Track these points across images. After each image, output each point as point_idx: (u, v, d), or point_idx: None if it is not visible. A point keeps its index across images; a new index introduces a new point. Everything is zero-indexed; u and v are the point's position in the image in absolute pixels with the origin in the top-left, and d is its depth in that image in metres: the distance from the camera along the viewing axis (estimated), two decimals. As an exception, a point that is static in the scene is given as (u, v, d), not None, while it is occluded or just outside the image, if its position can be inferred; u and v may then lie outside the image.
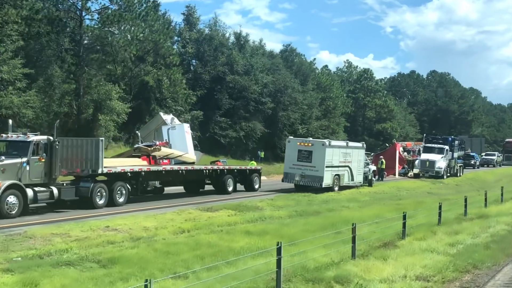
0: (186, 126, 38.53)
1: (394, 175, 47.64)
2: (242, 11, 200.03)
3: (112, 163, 25.15)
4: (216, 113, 60.59)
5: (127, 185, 23.39)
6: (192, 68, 60.50)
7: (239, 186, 31.81)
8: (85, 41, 49.30)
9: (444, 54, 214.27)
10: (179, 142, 37.24)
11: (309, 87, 72.38)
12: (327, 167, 32.01)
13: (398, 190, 37.80)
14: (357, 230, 15.58)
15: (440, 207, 20.77)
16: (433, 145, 49.02)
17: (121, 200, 23.02)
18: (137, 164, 25.61)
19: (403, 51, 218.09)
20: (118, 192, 22.94)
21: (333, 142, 34.29)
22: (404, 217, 18.00)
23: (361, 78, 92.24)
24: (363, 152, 36.43)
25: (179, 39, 61.63)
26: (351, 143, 36.36)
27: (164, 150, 28.50)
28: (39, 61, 46.84)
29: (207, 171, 27.95)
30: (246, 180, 31.33)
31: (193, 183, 29.47)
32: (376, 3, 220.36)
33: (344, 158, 33.88)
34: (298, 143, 32.61)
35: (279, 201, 27.73)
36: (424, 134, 52.32)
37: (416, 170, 47.63)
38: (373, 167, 38.71)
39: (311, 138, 36.33)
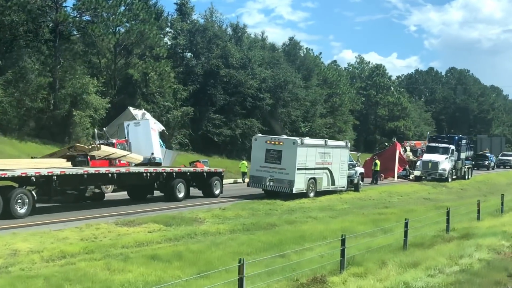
0: (152, 122, 33.92)
1: (393, 177, 42.36)
2: (264, 10, 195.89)
3: (28, 165, 20.63)
4: (209, 110, 55.87)
5: (32, 192, 18.72)
6: (183, 61, 55.73)
7: (197, 192, 27.08)
8: (62, 31, 44.91)
9: (469, 53, 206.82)
10: (143, 140, 32.75)
11: (313, 83, 67.20)
12: (299, 169, 27.06)
13: (389, 196, 32.65)
14: (303, 253, 12.86)
15: (406, 225, 15.69)
16: (437, 144, 43.59)
17: (22, 211, 18.39)
18: (57, 166, 21.00)
19: (427, 50, 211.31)
20: (19, 201, 18.28)
21: (307, 140, 29.23)
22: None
23: (373, 74, 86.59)
24: (347, 152, 31.36)
25: (170, 30, 56.99)
26: (331, 142, 31.28)
27: (105, 149, 23.88)
28: (9, 51, 42.81)
29: (148, 174, 23.15)
30: (204, 184, 26.55)
31: (139, 188, 24.75)
32: (399, 1, 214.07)
33: (322, 159, 28.87)
34: (266, 142, 27.70)
35: (232, 210, 22.90)
36: (428, 133, 46.78)
37: (417, 172, 42.32)
38: (360, 169, 33.55)
39: (284, 136, 31.25)
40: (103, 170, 21.42)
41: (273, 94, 60.87)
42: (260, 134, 29.37)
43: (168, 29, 57.59)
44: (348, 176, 31.68)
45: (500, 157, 70.46)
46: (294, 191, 26.91)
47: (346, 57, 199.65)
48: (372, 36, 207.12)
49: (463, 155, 44.83)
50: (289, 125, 62.70)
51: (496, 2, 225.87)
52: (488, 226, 19.62)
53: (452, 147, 43.01)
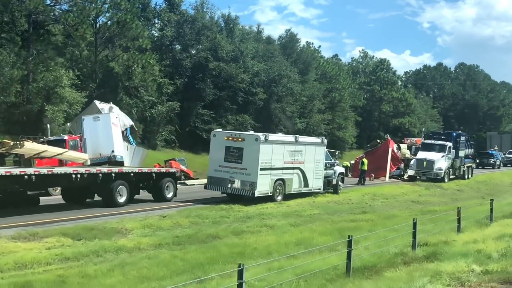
0: (114, 117, 30.40)
1: (385, 177, 38.57)
2: (277, 7, 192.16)
3: None
4: (198, 105, 52.33)
5: None
6: (170, 54, 52.25)
7: (147, 195, 23.60)
8: (36, 20, 41.66)
9: (482, 50, 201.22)
10: (103, 136, 29.33)
11: (311, 77, 63.35)
12: (263, 169, 23.45)
13: (372, 199, 28.93)
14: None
15: (350, 243, 12.07)
16: (433, 141, 39.69)
17: None
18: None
19: (440, 47, 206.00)
20: None
21: (273, 137, 25.52)
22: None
23: (377, 69, 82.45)
24: (323, 149, 27.64)
25: (157, 21, 53.53)
26: (303, 138, 27.51)
27: (30, 147, 20.42)
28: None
29: (79, 176, 19.65)
30: (154, 187, 23.04)
31: (74, 192, 21.31)
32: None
33: (292, 157, 25.22)
34: (226, 138, 24.09)
35: (172, 218, 19.39)
36: (423, 129, 42.83)
37: (411, 172, 38.49)
38: (340, 169, 29.80)
39: (250, 131, 27.61)
40: (16, 171, 17.94)
41: (266, 89, 57.30)
42: (219, 130, 25.72)
43: (156, 20, 54.10)
44: (326, 177, 27.99)
45: (507, 155, 66.20)
46: (256, 194, 23.30)
47: (359, 55, 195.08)
48: (385, 33, 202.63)
49: (462, 153, 40.90)
50: (283, 121, 58.96)
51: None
52: (466, 240, 15.92)
53: (450, 144, 39.13)
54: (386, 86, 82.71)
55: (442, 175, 37.75)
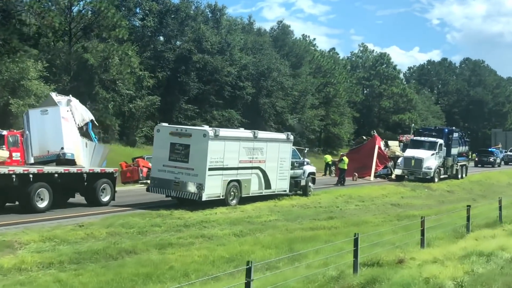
0: (65, 111, 27.28)
1: (370, 177, 35.37)
2: (285, 3, 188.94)
3: None
4: (181, 99, 49.30)
5: None
6: (152, 45, 49.25)
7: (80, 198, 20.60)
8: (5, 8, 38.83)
9: (491, 47, 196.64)
10: (51, 131, 26.22)
11: (304, 71, 60.10)
12: (212, 169, 20.35)
13: (346, 202, 25.75)
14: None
15: (248, 272, 8.99)
16: (422, 138, 36.42)
17: None
18: None
19: (450, 44, 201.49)
20: None
21: (225, 132, 22.35)
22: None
23: (377, 63, 79.02)
24: (289, 147, 24.45)
25: (139, 11, 50.53)
26: (263, 134, 24.31)
27: None
28: None
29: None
30: (87, 189, 20.01)
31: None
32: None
33: (251, 155, 22.10)
34: (170, 133, 20.97)
35: (90, 228, 16.42)
36: (412, 125, 39.49)
37: (398, 171, 35.25)
38: (310, 168, 26.59)
39: (191, 127, 24.46)
40: None
41: (255, 83, 54.18)
42: (165, 124, 22.52)
43: (138, 10, 51.10)
44: (293, 177, 24.84)
45: (508, 153, 62.54)
46: (204, 198, 20.21)
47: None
48: (393, 30, 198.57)
49: (455, 151, 37.55)
50: (274, 116, 55.85)
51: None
52: (425, 259, 12.83)
53: (441, 141, 35.83)
54: (386, 81, 79.33)
55: (432, 175, 34.48)
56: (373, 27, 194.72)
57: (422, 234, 14.72)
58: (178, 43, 50.67)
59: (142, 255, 14.46)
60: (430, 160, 34.65)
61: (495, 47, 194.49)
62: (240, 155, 21.56)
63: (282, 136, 24.65)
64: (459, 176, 38.20)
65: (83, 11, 43.28)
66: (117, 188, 24.88)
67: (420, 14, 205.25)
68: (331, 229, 19.80)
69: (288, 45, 59.65)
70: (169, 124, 23.01)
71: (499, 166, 56.19)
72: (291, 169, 24.54)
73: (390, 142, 41.08)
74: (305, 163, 25.95)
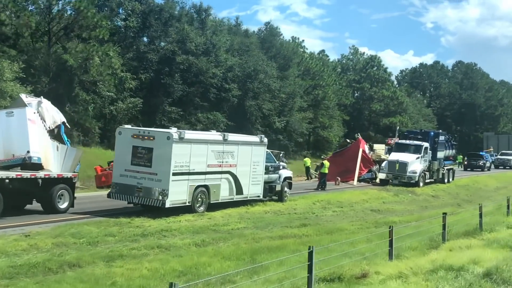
0: (31, 112, 26.02)
1: (353, 181, 34.20)
2: (280, 7, 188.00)
3: None
4: (164, 101, 48.06)
5: None
6: (134, 46, 48.02)
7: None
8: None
9: (486, 50, 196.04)
10: (17, 134, 24.96)
11: (292, 73, 58.92)
12: (177, 174, 19.15)
13: (324, 208, 24.57)
14: None
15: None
16: (407, 141, 35.28)
17: None
18: None
19: (444, 47, 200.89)
20: None
21: (191, 134, 21.08)
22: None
23: (367, 66, 77.91)
24: (262, 150, 23.27)
25: (122, 11, 49.29)
26: (234, 136, 23.05)
27: None
28: None
29: None
30: (44, 196, 18.77)
31: None
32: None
33: (220, 159, 20.89)
34: (133, 136, 19.74)
35: (37, 238, 15.20)
36: (398, 127, 38.36)
37: (382, 175, 34.09)
38: (287, 173, 25.36)
39: (154, 129, 23.29)
40: None
41: (241, 85, 53.01)
42: (127, 126, 21.25)
43: (120, 10, 49.87)
44: (267, 182, 23.65)
45: (499, 156, 61.44)
46: (168, 205, 18.99)
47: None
48: (388, 34, 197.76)
49: (441, 154, 36.42)
50: (260, 119, 54.65)
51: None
52: (390, 274, 11.86)
53: (426, 144, 34.69)
54: (377, 84, 78.20)
55: (417, 179, 33.33)
56: (367, 31, 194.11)
57: (391, 245, 13.56)
58: (162, 44, 49.46)
59: (87, 268, 13.25)
60: (415, 164, 33.53)
61: (489, 51, 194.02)
62: (208, 159, 20.35)
63: (255, 139, 23.46)
64: (446, 180, 37.07)
65: (62, 11, 42.04)
66: (86, 194, 23.71)
67: (414, 17, 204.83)
68: (302, 237, 18.65)
69: (275, 46, 58.50)
70: (132, 126, 21.81)
71: (489, 170, 55.10)
72: (266, 173, 23.37)
73: (376, 146, 39.91)
74: (281, 167, 24.73)
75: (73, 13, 42.17)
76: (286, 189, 24.56)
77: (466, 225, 19.35)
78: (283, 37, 64.58)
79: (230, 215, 20.76)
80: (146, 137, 19.27)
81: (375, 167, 35.79)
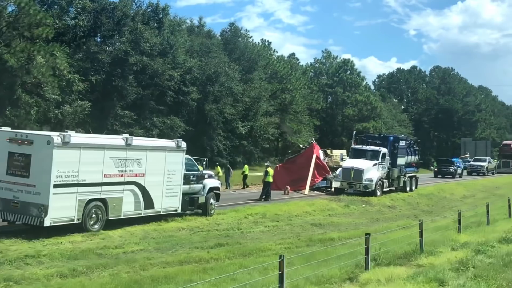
0: None
1: (305, 190, 30.83)
2: (264, 14, 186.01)
3: None
4: (116, 105, 44.47)
5: None
6: (84, 46, 44.40)
7: None
8: None
9: (468, 57, 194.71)
10: None
11: (255, 76, 55.56)
12: (61, 185, 15.65)
13: (255, 222, 21.21)
14: None
15: None
16: (364, 147, 31.99)
17: None
18: None
19: (427, 54, 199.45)
20: None
21: (80, 138, 17.37)
22: None
23: (340, 70, 74.81)
24: (180, 156, 19.80)
25: (72, 9, 45.64)
26: (141, 141, 19.56)
27: None
28: None
29: None
30: None
31: None
32: (399, 6, 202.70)
33: (122, 168, 17.44)
34: (9, 140, 16.20)
35: None
36: (354, 132, 35.08)
37: (336, 183, 30.75)
38: (212, 183, 21.88)
39: (34, 132, 19.70)
40: None
41: (202, 88, 49.63)
42: (5, 128, 17.49)
43: (71, 9, 46.21)
44: (189, 194, 20.24)
45: (472, 163, 58.31)
46: (48, 223, 15.51)
47: (355, 64, 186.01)
48: (371, 41, 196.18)
49: (402, 161, 33.18)
50: (222, 124, 51.25)
51: (496, 7, 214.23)
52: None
53: (384, 150, 31.44)
54: (350, 88, 75.10)
55: (373, 188, 30.04)
56: (351, 38, 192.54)
57: (281, 280, 10.12)
58: (114, 44, 45.94)
59: None
60: (372, 171, 30.25)
61: (471, 58, 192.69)
62: (105, 167, 16.88)
63: (169, 143, 19.99)
64: (408, 188, 33.82)
65: (2, 8, 38.36)
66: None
67: (397, 25, 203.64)
68: (209, 261, 15.26)
69: (239, 48, 55.13)
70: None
71: (460, 176, 51.98)
72: (186, 183, 19.95)
73: (335, 151, 36.60)
74: (206, 176, 21.27)
75: (15, 10, 38.53)
76: (212, 201, 21.11)
77: (409, 244, 16.05)
78: (253, 39, 61.52)
79: (132, 234, 17.29)
80: (23, 142, 15.77)
81: (331, 175, 32.42)
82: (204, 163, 21.61)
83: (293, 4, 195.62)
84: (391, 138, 33.33)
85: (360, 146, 32.30)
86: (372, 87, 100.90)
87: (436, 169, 51.53)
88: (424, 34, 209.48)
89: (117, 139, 17.97)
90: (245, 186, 34.07)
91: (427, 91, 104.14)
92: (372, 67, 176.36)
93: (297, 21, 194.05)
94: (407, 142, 34.79)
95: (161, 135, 46.94)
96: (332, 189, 31.66)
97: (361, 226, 22.61)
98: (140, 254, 15.28)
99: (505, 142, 70.95)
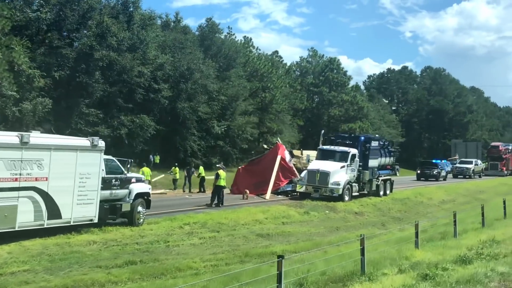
0: None
1: (266, 195, 27.82)
2: (260, 15, 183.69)
3: None
4: (81, 103, 41.46)
5: None
6: (47, 40, 41.36)
7: None
8: None
9: (464, 59, 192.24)
10: None
11: (235, 73, 52.61)
12: None
13: (190, 233, 18.23)
14: None
15: None
16: (332, 147, 28.99)
17: None
18: None
19: (422, 56, 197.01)
20: None
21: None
22: None
23: (326, 69, 71.83)
24: (96, 157, 16.78)
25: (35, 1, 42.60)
26: (44, 138, 16.56)
27: None
28: None
29: None
30: None
31: None
32: (395, 8, 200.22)
33: (16, 171, 14.47)
34: None
35: None
36: (322, 131, 32.03)
37: (301, 188, 27.71)
38: (140, 188, 18.82)
39: None
40: None
41: (175, 85, 46.72)
42: None
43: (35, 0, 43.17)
44: (110, 200, 17.23)
45: (458, 165, 55.27)
46: None
47: (342, 63, 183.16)
48: (367, 42, 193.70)
49: (374, 163, 30.16)
50: (197, 123, 48.27)
51: (491, 9, 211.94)
52: None
53: (354, 151, 28.45)
54: (336, 88, 72.12)
55: (340, 192, 27.02)
56: (347, 39, 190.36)
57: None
58: (80, 38, 42.91)
59: None
60: (339, 173, 27.25)
61: (466, 60, 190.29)
62: (-6, 170, 13.86)
63: (82, 142, 16.97)
64: (381, 193, 30.81)
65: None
66: None
67: (393, 27, 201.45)
68: (104, 285, 12.19)
69: (216, 44, 52.11)
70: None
71: (444, 179, 48.96)
72: (106, 189, 16.96)
73: (310, 152, 33.55)
74: (134, 181, 18.24)
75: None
76: (139, 208, 18.10)
77: (355, 262, 13.14)
78: (235, 36, 58.64)
79: (27, 249, 14.32)
80: None
81: (298, 178, 29.40)
82: (129, 165, 18.56)
83: (289, 6, 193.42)
84: (362, 138, 30.29)
85: (328, 147, 29.29)
86: (363, 87, 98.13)
87: (419, 172, 48.55)
88: (420, 36, 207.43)
89: (9, 136, 14.94)
90: (201, 190, 31.04)
91: (417, 92, 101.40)
92: (368, 69, 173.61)
93: (293, 23, 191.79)
94: (381, 143, 31.75)
95: (130, 135, 44.03)
96: (298, 193, 28.65)
97: (315, 237, 19.63)
98: (20, 277, 12.30)
99: (493, 143, 67.90)
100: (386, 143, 32.71)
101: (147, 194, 18.56)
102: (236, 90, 52.17)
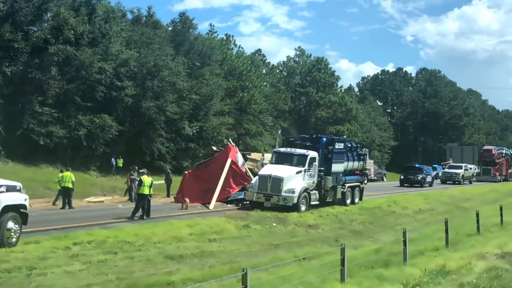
0: None
1: (211, 204, 23.84)
2: (261, 19, 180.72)
3: None
4: (34, 101, 37.59)
5: None
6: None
7: None
8: None
9: (465, 64, 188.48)
10: None
11: (209, 71, 48.73)
12: None
13: (74, 256, 14.27)
14: None
15: None
16: (289, 150, 25.01)
17: None
18: None
19: (423, 60, 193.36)
20: None
21: None
22: None
23: (313, 69, 67.89)
24: None
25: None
26: None
27: None
28: None
29: None
30: None
31: None
32: (396, 12, 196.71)
33: None
34: None
35: None
36: (279, 132, 27.99)
37: (250, 195, 23.74)
38: (12, 199, 14.85)
39: None
40: None
41: (140, 83, 42.85)
42: None
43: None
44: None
45: (446, 170, 51.16)
46: None
47: (343, 67, 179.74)
48: (368, 46, 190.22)
49: (339, 167, 26.14)
50: (165, 124, 44.36)
51: (492, 14, 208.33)
52: None
53: (313, 154, 24.48)
54: (324, 88, 68.14)
55: (295, 201, 23.04)
56: (348, 43, 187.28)
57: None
58: (34, 32, 39.12)
59: None
60: (294, 180, 23.28)
61: (467, 64, 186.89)
62: None
63: None
64: (348, 201, 26.82)
65: None
66: None
67: (394, 30, 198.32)
68: None
69: (189, 40, 48.25)
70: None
71: (430, 185, 44.91)
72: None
73: (268, 155, 29.59)
74: (3, 189, 14.28)
75: None
76: (10, 225, 14.14)
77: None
78: (217, 35, 54.91)
79: None
80: None
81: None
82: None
83: (290, 9, 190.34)
84: (324, 139, 26.20)
85: (283, 149, 25.31)
86: (356, 89, 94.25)
87: (402, 177, 44.52)
88: (421, 40, 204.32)
89: None
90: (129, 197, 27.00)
91: (412, 94, 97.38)
92: (369, 73, 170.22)
93: (294, 26, 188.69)
94: (348, 145, 27.68)
95: (89, 136, 40.10)
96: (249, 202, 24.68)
97: (241, 258, 15.66)
98: None
99: (486, 147, 63.71)
100: (354, 145, 28.69)
101: (22, 206, 14.60)
102: (210, 89, 48.33)
